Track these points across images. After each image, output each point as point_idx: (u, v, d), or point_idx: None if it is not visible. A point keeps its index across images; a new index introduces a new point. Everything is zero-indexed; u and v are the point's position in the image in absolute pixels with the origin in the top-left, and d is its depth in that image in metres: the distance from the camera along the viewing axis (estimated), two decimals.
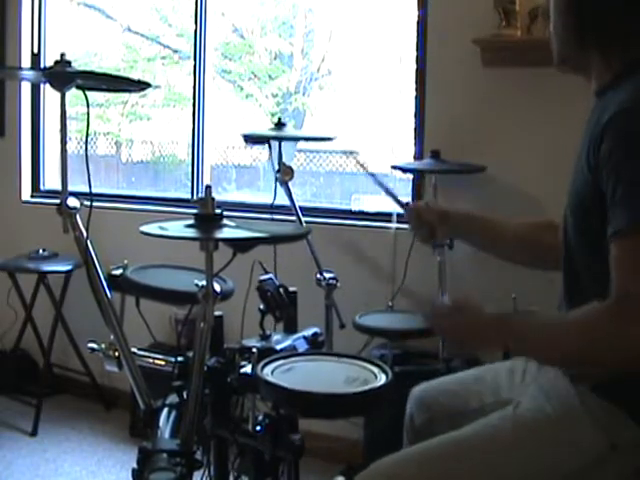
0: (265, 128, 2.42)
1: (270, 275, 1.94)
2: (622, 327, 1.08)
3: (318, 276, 2.43)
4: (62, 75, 1.59)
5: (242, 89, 3.85)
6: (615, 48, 1.30)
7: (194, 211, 1.57)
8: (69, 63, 1.59)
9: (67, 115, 1.65)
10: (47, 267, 3.31)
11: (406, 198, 2.87)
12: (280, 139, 2.36)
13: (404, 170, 2.76)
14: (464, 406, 1.51)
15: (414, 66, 2.86)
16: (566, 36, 1.36)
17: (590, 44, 1.32)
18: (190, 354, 1.70)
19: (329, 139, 2.53)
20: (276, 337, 1.85)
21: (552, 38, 1.39)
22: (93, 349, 1.90)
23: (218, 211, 1.57)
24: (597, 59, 1.33)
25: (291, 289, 1.95)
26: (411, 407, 1.61)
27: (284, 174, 2.38)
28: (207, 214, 1.56)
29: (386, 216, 2.89)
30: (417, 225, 1.75)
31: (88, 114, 1.69)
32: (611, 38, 1.30)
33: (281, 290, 1.91)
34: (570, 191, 1.34)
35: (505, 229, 1.68)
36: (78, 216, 1.66)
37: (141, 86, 1.80)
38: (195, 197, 3.35)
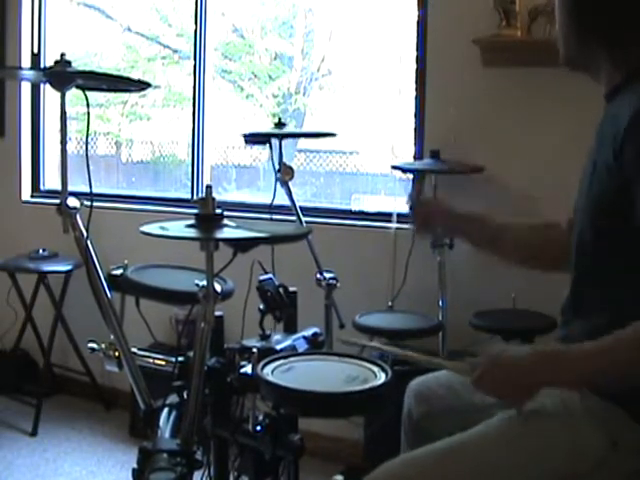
0: (266, 128, 2.42)
1: (270, 275, 1.94)
2: None
3: (318, 276, 2.43)
4: (62, 75, 1.59)
5: (242, 89, 3.85)
6: (621, 49, 1.30)
7: (194, 211, 1.56)
8: (69, 63, 1.59)
9: (67, 115, 1.65)
10: (47, 267, 3.31)
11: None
12: (281, 136, 2.36)
13: (404, 170, 2.76)
14: (464, 401, 1.51)
15: (414, 66, 2.86)
16: (572, 37, 1.35)
17: (596, 45, 1.32)
18: (190, 354, 1.70)
19: (330, 135, 2.53)
20: (276, 337, 1.85)
21: (558, 38, 1.39)
22: (93, 349, 1.90)
23: (218, 211, 1.57)
24: (605, 60, 1.32)
25: (291, 289, 1.95)
26: (409, 401, 1.61)
27: (285, 174, 2.38)
28: (207, 214, 1.55)
29: (386, 216, 2.89)
30: (421, 226, 1.74)
31: (88, 114, 1.69)
32: (616, 39, 1.29)
33: (281, 290, 1.91)
34: (587, 195, 1.32)
35: (505, 230, 1.67)
36: (78, 216, 1.66)
37: (141, 86, 1.80)
38: (195, 197, 3.36)
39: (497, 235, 1.67)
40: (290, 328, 1.97)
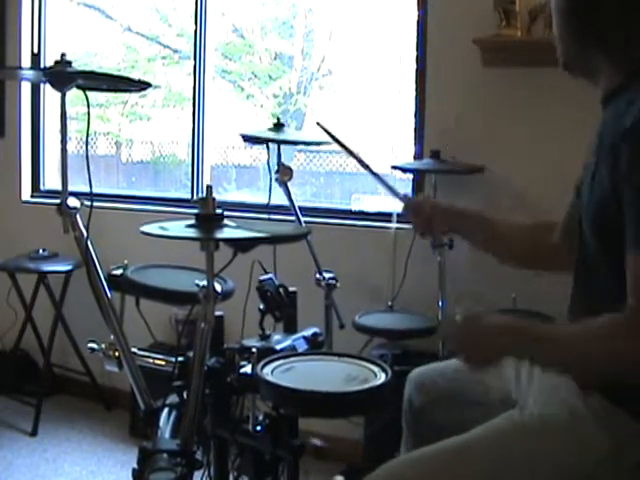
0: (264, 128, 2.41)
1: (270, 275, 1.94)
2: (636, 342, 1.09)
3: (318, 276, 2.43)
4: (62, 75, 1.59)
5: (242, 89, 3.85)
6: (620, 50, 1.27)
7: (194, 211, 1.57)
8: (69, 63, 1.59)
9: (67, 115, 1.65)
10: (47, 267, 3.31)
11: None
12: (279, 142, 2.35)
13: (404, 170, 2.76)
14: (465, 392, 1.51)
15: (414, 66, 2.86)
16: (569, 41, 1.33)
17: (593, 47, 1.29)
18: (190, 354, 1.70)
19: (325, 143, 2.51)
20: (276, 337, 1.86)
21: (556, 41, 1.37)
22: (93, 349, 1.90)
23: (219, 211, 1.57)
24: (603, 63, 1.30)
25: (291, 289, 1.95)
26: (410, 390, 1.61)
27: (283, 174, 2.38)
28: (208, 214, 1.56)
29: (386, 216, 2.89)
30: (415, 217, 1.73)
31: (89, 114, 1.70)
32: (614, 41, 1.27)
33: (281, 290, 1.91)
34: (588, 200, 1.28)
35: (503, 228, 1.66)
36: (78, 216, 1.67)
37: (141, 86, 1.80)
38: (195, 197, 3.35)
39: (493, 233, 1.65)
40: (290, 328, 1.97)
